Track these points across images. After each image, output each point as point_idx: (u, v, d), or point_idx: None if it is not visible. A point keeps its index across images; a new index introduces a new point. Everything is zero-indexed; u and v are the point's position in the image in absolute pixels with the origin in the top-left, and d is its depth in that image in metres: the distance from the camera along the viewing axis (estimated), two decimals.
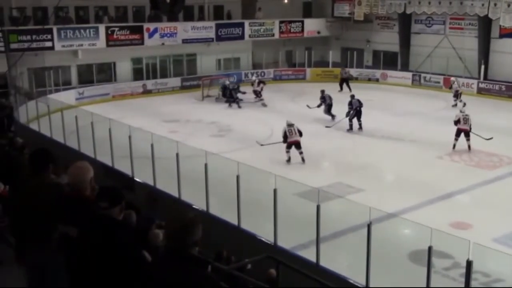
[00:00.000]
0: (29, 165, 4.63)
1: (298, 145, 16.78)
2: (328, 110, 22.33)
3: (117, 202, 3.65)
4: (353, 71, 31.83)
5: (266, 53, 31.58)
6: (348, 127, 20.61)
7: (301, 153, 16.76)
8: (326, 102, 22.43)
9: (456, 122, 17.96)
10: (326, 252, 9.38)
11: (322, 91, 22.88)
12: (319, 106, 22.61)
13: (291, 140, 16.80)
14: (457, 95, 24.76)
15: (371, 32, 33.97)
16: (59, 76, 25.22)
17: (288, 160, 16.82)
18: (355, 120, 20.65)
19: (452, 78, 26.22)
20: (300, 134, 16.93)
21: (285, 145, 16.90)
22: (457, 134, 17.85)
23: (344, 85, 28.11)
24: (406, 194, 13.98)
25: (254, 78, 27.61)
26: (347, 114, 20.63)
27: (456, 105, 23.76)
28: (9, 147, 11.15)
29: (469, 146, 17.82)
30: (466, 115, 18.03)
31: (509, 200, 13.65)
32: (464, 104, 22.06)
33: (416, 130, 20.29)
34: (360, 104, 20.62)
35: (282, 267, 6.70)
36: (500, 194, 14.30)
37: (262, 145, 18.07)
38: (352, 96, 21.11)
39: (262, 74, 30.42)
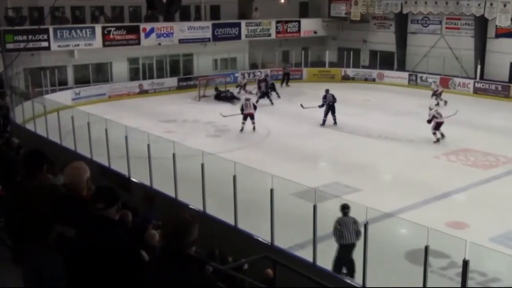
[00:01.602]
0: (23, 166, 4.61)
1: (252, 116, 20.29)
2: (260, 96, 25.35)
3: (113, 202, 3.63)
4: (350, 71, 31.92)
5: (263, 53, 31.59)
6: (321, 122, 21.32)
7: (253, 123, 20.28)
8: (261, 90, 25.83)
9: (432, 118, 18.96)
10: (323, 252, 9.37)
11: (266, 76, 26.93)
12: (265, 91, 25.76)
13: (247, 112, 20.28)
14: (436, 94, 24.69)
15: (368, 32, 34.02)
16: (56, 76, 25.16)
17: (241, 130, 20.28)
18: (329, 115, 21.26)
19: (430, 80, 26.62)
20: (255, 108, 20.57)
21: (241, 116, 20.31)
22: (436, 128, 18.88)
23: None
24: (403, 193, 14.00)
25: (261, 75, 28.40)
26: (320, 106, 21.49)
27: (438, 103, 23.08)
28: (5, 147, 11.13)
29: (442, 134, 18.89)
30: (437, 109, 19.63)
31: (505, 199, 13.68)
32: (446, 103, 23.54)
33: (413, 130, 20.30)
34: (334, 99, 21.21)
35: (279, 267, 6.70)
36: (497, 193, 14.32)
37: (224, 116, 20.94)
38: (327, 91, 21.67)
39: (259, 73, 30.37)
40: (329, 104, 21.15)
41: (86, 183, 4.13)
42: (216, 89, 27.40)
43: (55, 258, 3.86)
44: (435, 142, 18.69)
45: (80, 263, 3.56)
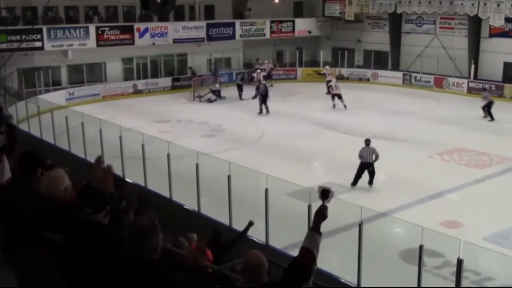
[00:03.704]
0: (17, 168, 4.56)
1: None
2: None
3: (101, 207, 3.57)
4: (344, 71, 31.91)
5: (257, 52, 31.57)
6: (258, 111, 23.28)
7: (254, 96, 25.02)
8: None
9: (329, 91, 24.05)
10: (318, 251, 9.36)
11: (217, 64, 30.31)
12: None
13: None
14: (327, 81, 25.61)
15: (362, 32, 34.03)
16: (49, 76, 25.06)
17: (240, 98, 25.76)
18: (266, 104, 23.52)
19: (326, 66, 28.90)
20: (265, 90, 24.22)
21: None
22: (333, 98, 23.88)
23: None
24: (397, 193, 14.03)
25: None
26: (253, 97, 24.49)
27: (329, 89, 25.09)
28: None
29: (344, 106, 23.49)
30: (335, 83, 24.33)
31: (499, 198, 13.72)
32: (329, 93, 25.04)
33: (407, 129, 20.35)
34: (266, 89, 23.63)
35: (273, 267, 6.69)
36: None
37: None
38: (259, 81, 24.42)
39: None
40: (262, 94, 23.38)
41: (65, 191, 4.03)
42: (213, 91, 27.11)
43: (47, 258, 3.83)
44: (333, 107, 23.69)
45: (70, 268, 3.52)
